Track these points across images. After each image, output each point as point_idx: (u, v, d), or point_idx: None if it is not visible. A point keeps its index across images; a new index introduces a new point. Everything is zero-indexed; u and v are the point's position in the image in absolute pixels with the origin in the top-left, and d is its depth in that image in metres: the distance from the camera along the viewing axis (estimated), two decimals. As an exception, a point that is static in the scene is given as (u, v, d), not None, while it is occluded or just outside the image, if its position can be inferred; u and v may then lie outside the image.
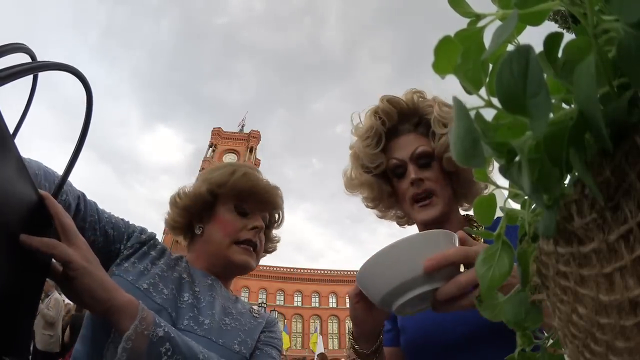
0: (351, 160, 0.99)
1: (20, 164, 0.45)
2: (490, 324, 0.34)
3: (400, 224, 1.06)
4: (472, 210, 0.97)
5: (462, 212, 1.01)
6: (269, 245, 1.14)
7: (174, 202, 1.06)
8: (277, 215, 1.13)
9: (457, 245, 0.56)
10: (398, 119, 0.95)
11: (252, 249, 0.99)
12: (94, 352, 0.73)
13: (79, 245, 0.59)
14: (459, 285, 0.52)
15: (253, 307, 1.04)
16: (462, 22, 0.20)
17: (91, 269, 0.60)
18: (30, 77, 0.52)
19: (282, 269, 45.28)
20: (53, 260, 0.58)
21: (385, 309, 0.57)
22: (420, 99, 0.95)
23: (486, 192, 0.97)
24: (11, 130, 0.44)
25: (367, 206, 1.03)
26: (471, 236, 0.79)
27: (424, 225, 0.96)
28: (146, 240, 0.92)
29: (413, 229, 1.02)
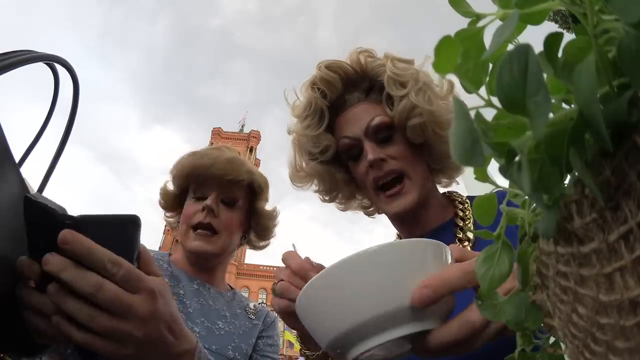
0: (293, 147, 0.81)
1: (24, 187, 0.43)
2: None
3: (369, 214, 0.87)
4: (453, 185, 0.83)
5: (442, 190, 0.83)
6: (262, 221, 1.02)
7: (160, 205, 1.07)
8: (256, 186, 1.01)
9: (450, 261, 0.39)
10: (344, 88, 0.75)
11: (209, 233, 0.92)
12: None
13: None
14: (472, 329, 0.36)
15: (250, 305, 1.00)
16: (462, 22, 0.20)
17: None
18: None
19: (282, 269, 45.20)
20: None
21: (337, 356, 0.39)
22: (369, 59, 0.76)
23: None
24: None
25: (324, 200, 0.84)
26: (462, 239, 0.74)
27: (397, 218, 0.79)
28: None
29: (384, 219, 0.83)
